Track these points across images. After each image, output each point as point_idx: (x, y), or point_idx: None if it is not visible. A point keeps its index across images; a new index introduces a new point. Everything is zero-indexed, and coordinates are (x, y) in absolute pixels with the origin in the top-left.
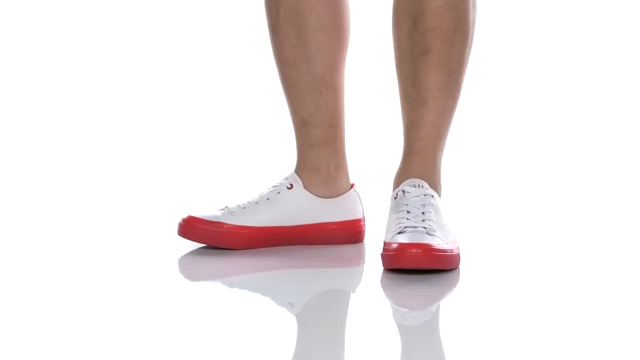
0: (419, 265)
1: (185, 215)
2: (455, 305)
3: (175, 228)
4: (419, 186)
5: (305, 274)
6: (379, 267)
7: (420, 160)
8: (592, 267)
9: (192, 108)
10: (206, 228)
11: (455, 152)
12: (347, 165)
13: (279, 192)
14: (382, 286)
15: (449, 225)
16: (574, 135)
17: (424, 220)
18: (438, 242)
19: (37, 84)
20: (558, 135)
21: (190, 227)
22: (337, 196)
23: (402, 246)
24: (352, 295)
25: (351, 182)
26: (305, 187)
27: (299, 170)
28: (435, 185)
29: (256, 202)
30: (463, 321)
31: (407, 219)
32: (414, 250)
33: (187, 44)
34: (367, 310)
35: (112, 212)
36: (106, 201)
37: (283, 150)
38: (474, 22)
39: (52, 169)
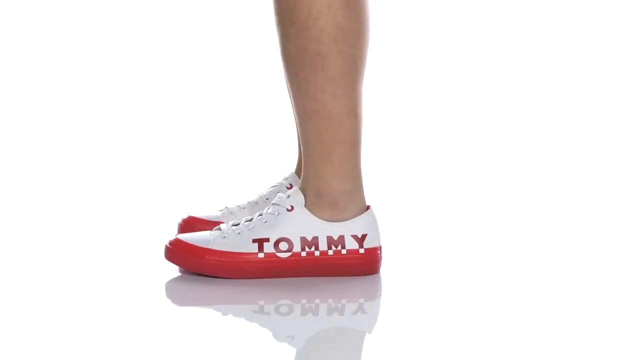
0: (167, 259)
1: (185, 216)
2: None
3: (175, 229)
4: (288, 196)
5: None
6: (383, 276)
7: (303, 169)
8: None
9: (191, 108)
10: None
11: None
12: None
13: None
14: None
15: (256, 236)
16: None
17: (235, 224)
18: (196, 239)
19: (37, 85)
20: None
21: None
22: None
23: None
24: (348, 304)
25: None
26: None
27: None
28: (318, 197)
29: (256, 202)
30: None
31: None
32: (167, 244)
33: (187, 45)
34: (359, 317)
35: (112, 212)
36: (106, 202)
37: (283, 150)
38: (320, 11)
39: (51, 170)
